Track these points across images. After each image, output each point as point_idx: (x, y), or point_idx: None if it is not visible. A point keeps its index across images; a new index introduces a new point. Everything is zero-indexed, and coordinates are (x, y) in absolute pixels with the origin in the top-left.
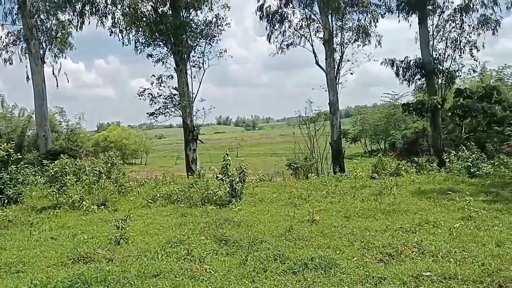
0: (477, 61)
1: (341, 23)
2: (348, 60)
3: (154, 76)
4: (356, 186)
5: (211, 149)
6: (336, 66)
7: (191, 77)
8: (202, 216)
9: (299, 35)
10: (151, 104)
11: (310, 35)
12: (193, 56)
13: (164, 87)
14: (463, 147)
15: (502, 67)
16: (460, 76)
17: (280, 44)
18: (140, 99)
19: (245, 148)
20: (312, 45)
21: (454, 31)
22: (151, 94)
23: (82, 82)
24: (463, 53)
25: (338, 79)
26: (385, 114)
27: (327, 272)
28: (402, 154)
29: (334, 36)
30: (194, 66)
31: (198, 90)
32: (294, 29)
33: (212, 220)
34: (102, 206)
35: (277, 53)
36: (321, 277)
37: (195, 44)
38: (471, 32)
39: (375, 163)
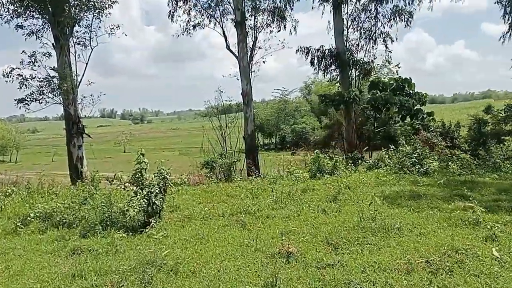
0: (391, 52)
1: (254, 3)
2: (260, 48)
3: (25, 52)
4: (299, 188)
5: (95, 144)
6: (249, 52)
7: (75, 56)
8: (109, 254)
9: (208, 15)
10: (21, 88)
11: (220, 15)
12: (77, 32)
13: (39, 66)
14: (403, 141)
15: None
16: (375, 68)
17: (186, 24)
18: (6, 81)
19: (133, 143)
20: (222, 27)
21: (368, 21)
22: (21, 76)
23: None
24: (376, 44)
25: (251, 66)
26: (276, 109)
27: None
28: (316, 149)
29: (246, 18)
30: (78, 44)
31: (84, 73)
32: (202, 7)
33: (130, 266)
34: None
35: (182, 34)
36: None
37: (79, 16)
38: (385, 23)
39: (312, 160)
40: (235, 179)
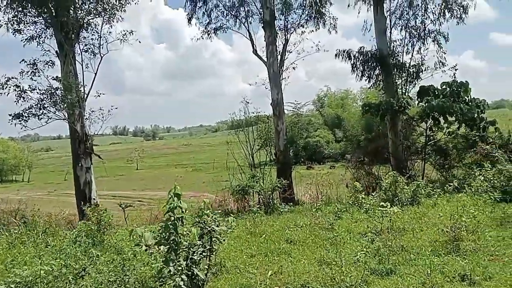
0: (445, 53)
1: None
2: (290, 52)
3: (25, 61)
4: (395, 228)
5: (107, 161)
6: (279, 57)
7: (82, 66)
8: None
9: (232, 16)
10: (18, 102)
11: (246, 16)
12: (84, 38)
13: (39, 76)
14: (501, 158)
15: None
16: (425, 70)
17: (205, 27)
18: (0, 94)
19: (146, 160)
20: (248, 29)
21: (415, 18)
22: (19, 87)
23: None
24: (425, 44)
25: (282, 73)
26: (288, 123)
27: None
28: (360, 165)
29: (276, 18)
30: (86, 51)
31: (92, 84)
32: (224, 7)
33: None
34: None
35: (202, 38)
36: None
37: (86, 20)
38: (434, 20)
39: (388, 184)
40: (279, 209)
